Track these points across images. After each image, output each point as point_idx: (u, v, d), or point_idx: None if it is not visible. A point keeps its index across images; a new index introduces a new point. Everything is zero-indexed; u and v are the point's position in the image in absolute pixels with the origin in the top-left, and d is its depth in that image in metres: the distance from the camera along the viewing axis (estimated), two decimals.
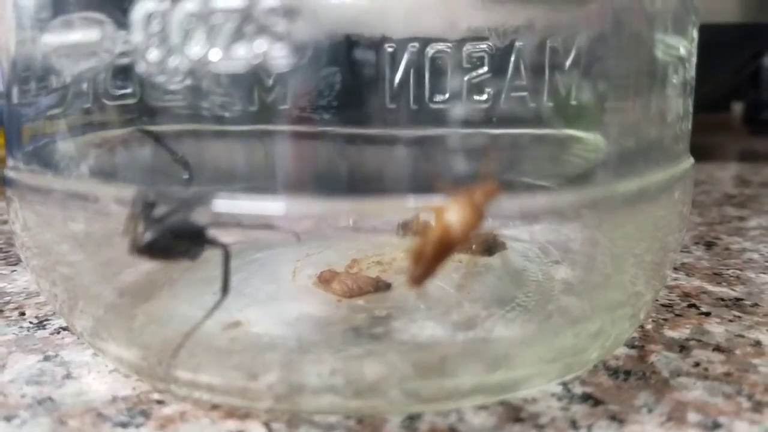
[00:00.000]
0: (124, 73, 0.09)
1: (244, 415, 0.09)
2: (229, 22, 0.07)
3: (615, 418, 0.09)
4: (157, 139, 0.10)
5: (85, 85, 0.09)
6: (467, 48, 0.09)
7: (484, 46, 0.09)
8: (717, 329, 0.12)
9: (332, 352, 0.09)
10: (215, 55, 0.08)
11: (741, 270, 0.16)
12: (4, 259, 0.18)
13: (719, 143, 0.42)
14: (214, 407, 0.09)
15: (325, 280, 0.12)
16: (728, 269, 0.16)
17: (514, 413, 0.09)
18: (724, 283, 0.15)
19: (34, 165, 0.10)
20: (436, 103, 0.09)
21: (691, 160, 0.11)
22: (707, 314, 0.13)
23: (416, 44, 0.09)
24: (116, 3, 0.08)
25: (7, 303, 0.14)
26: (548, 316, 0.10)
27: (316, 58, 0.08)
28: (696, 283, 0.15)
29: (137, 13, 0.08)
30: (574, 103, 0.09)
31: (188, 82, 0.08)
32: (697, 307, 0.13)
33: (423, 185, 0.08)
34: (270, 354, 0.09)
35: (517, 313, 0.10)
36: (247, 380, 0.09)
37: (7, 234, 0.20)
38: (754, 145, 0.42)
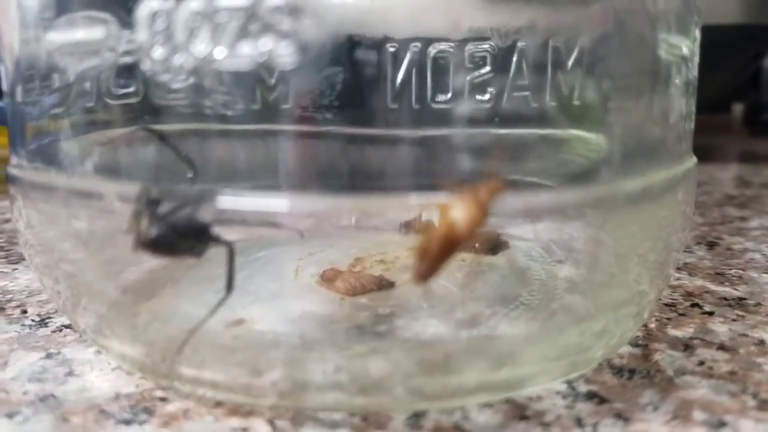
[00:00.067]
0: (127, 72, 0.09)
1: (248, 412, 0.09)
2: (234, 20, 0.08)
3: (620, 416, 0.09)
4: (162, 137, 0.10)
5: (88, 84, 0.09)
6: (469, 48, 0.09)
7: (486, 46, 0.09)
8: (721, 328, 0.12)
9: (336, 349, 0.09)
10: (220, 53, 0.08)
11: (743, 270, 0.16)
12: (5, 257, 0.17)
13: (719, 144, 0.42)
14: (218, 404, 0.09)
15: (328, 278, 0.12)
16: (731, 269, 0.16)
17: (519, 411, 0.09)
18: (727, 283, 0.15)
19: (37, 163, 0.10)
20: (438, 102, 0.09)
21: (694, 159, 0.11)
22: (711, 313, 0.13)
23: (418, 44, 0.09)
24: (121, 2, 0.08)
25: (9, 301, 0.14)
26: (553, 314, 0.10)
27: (318, 57, 0.08)
28: (699, 282, 0.15)
29: (142, 12, 0.08)
30: (576, 102, 0.09)
31: (192, 80, 0.08)
32: (701, 307, 0.13)
33: (426, 183, 0.08)
34: (274, 351, 0.09)
35: (522, 312, 0.10)
36: (251, 377, 0.09)
37: (9, 233, 0.20)
38: (755, 146, 0.42)
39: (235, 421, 0.09)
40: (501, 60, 0.09)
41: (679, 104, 0.09)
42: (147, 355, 0.09)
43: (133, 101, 0.09)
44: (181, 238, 0.09)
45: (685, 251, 0.17)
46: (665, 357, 0.11)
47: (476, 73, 0.09)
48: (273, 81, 0.08)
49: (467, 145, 0.09)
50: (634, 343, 0.11)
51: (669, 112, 0.09)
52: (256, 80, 0.08)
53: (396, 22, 0.09)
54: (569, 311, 0.10)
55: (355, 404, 0.09)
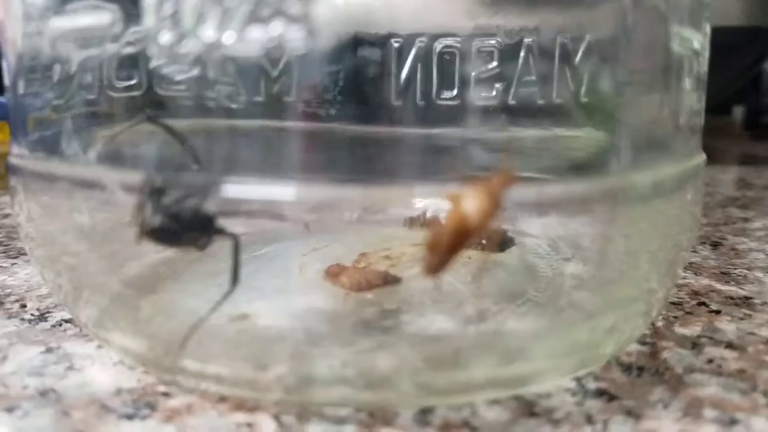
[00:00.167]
0: (131, 63, 0.09)
1: (253, 407, 0.09)
2: (244, 3, 0.07)
3: (631, 414, 0.09)
4: (167, 128, 0.09)
5: (91, 76, 0.09)
6: (476, 43, 0.09)
7: (493, 41, 0.09)
8: (728, 327, 0.12)
9: (342, 344, 0.09)
10: (229, 37, 0.07)
11: (748, 270, 0.16)
12: (4, 252, 0.17)
13: (720, 147, 0.42)
14: (222, 399, 0.09)
15: (333, 273, 0.12)
16: (736, 269, 0.16)
17: (528, 408, 0.09)
18: (733, 282, 0.15)
19: (39, 152, 0.10)
20: (444, 99, 0.09)
21: (703, 156, 0.11)
22: (717, 312, 0.13)
23: (424, 39, 0.09)
24: None
25: (8, 295, 0.14)
26: (562, 310, 0.10)
27: (325, 47, 0.08)
28: (704, 282, 0.15)
29: None
30: (587, 97, 0.09)
31: (197, 71, 0.08)
32: (707, 305, 0.13)
33: (433, 176, 0.08)
34: (279, 345, 0.09)
35: (530, 308, 0.10)
36: (256, 371, 0.09)
37: (8, 228, 0.20)
38: (755, 149, 0.42)
39: (240, 416, 0.09)
40: (509, 54, 0.09)
41: (690, 99, 0.09)
42: (150, 349, 0.09)
43: (136, 94, 0.09)
44: (185, 229, 0.09)
45: None
46: (674, 355, 0.11)
47: (483, 68, 0.09)
48: (277, 73, 0.08)
49: (475, 138, 0.09)
50: (641, 341, 0.11)
51: (680, 107, 0.09)
52: (261, 71, 0.08)
53: (401, 18, 0.09)
54: (579, 308, 0.10)
55: (361, 399, 0.09)
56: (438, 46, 0.09)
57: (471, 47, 0.09)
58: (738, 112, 0.48)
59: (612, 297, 0.10)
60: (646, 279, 0.10)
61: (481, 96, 0.09)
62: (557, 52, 0.09)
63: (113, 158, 0.09)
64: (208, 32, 0.07)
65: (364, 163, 0.10)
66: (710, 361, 0.10)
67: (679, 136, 0.10)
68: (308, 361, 0.09)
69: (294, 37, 0.07)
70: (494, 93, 0.09)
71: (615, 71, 0.08)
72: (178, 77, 0.08)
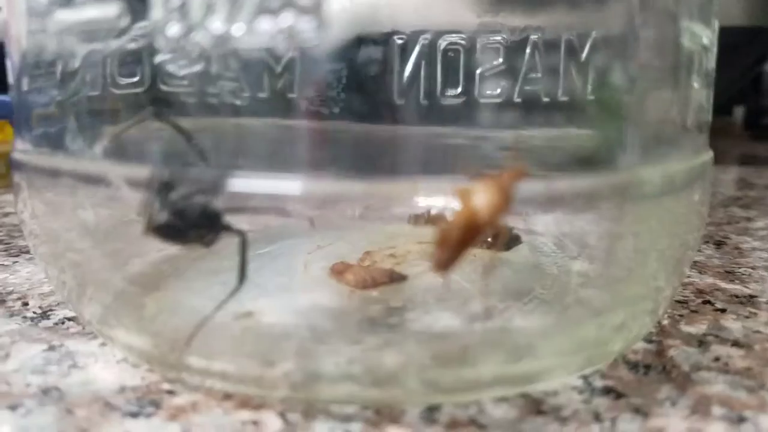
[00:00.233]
0: (135, 58, 0.09)
1: (258, 405, 0.09)
2: None
3: (639, 411, 0.09)
4: (173, 124, 0.09)
5: (95, 72, 0.09)
6: (481, 39, 0.09)
7: (498, 38, 0.09)
8: (734, 325, 0.12)
9: (348, 341, 0.09)
10: (238, 30, 0.07)
11: (753, 268, 0.16)
12: (5, 250, 0.17)
13: (721, 147, 0.42)
14: (227, 397, 0.09)
15: (338, 271, 0.12)
16: (740, 267, 0.16)
17: (536, 406, 0.09)
18: (737, 281, 0.15)
19: (44, 147, 0.10)
20: (448, 96, 0.09)
21: (711, 152, 0.11)
22: (723, 311, 0.13)
23: (428, 36, 0.09)
24: None
25: (10, 293, 0.14)
26: (570, 307, 0.10)
27: (332, 43, 0.08)
28: (709, 280, 0.15)
29: None
30: (596, 93, 0.09)
31: (201, 66, 0.08)
32: (712, 304, 0.13)
33: (441, 171, 0.08)
34: (285, 343, 0.09)
35: (536, 305, 0.10)
36: (263, 368, 0.08)
37: (8, 227, 0.20)
38: (755, 149, 0.42)
39: (245, 414, 0.08)
40: (514, 51, 0.09)
41: (699, 95, 0.09)
42: (155, 346, 0.09)
43: (139, 91, 0.09)
44: (192, 226, 0.09)
45: None
46: (680, 353, 0.11)
47: (488, 65, 0.09)
48: (280, 69, 0.08)
49: (483, 135, 0.09)
50: (647, 339, 0.11)
51: (689, 103, 0.09)
52: (265, 67, 0.08)
53: (404, 16, 0.09)
54: (586, 305, 0.10)
55: (368, 396, 0.08)
56: (442, 43, 0.09)
57: (476, 44, 0.09)
58: (738, 112, 0.48)
59: (620, 294, 0.10)
60: (654, 277, 0.10)
61: (486, 93, 0.09)
62: (563, 48, 0.09)
63: (119, 153, 0.09)
64: (217, 24, 0.07)
65: (369, 158, 0.10)
66: (717, 359, 0.10)
67: (688, 132, 0.09)
68: (314, 358, 0.09)
69: (304, 29, 0.07)
70: (499, 90, 0.09)
71: (624, 67, 0.08)
72: (183, 72, 0.08)
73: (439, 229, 0.07)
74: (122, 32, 0.08)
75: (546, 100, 0.09)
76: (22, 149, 0.10)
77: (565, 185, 0.08)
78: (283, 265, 0.12)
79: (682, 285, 0.14)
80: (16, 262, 0.16)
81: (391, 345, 0.09)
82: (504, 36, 0.09)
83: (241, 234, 0.09)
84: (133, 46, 0.08)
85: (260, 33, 0.07)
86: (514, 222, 0.12)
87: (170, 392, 0.09)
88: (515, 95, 0.09)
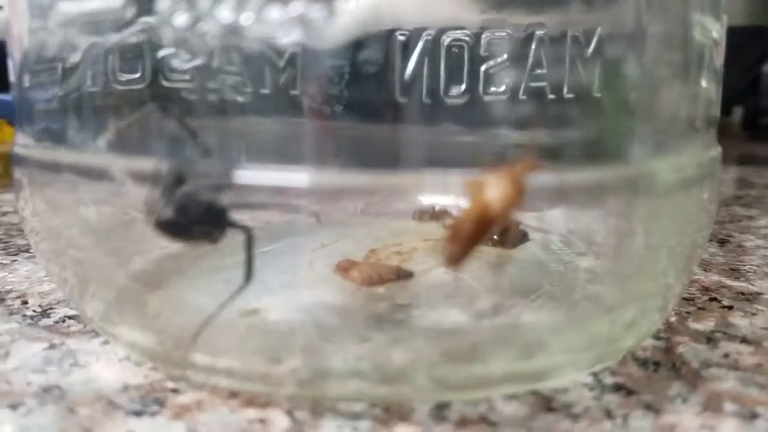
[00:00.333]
0: (136, 52, 0.08)
1: (265, 403, 0.09)
2: None
3: (650, 408, 0.09)
4: (178, 118, 0.09)
5: (96, 68, 0.09)
6: (486, 36, 0.09)
7: (503, 33, 0.09)
8: (741, 322, 0.12)
9: (355, 338, 0.09)
10: (247, 18, 0.07)
11: (757, 266, 0.16)
12: (4, 249, 0.17)
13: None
14: (233, 395, 0.09)
15: (344, 268, 0.11)
16: (744, 265, 0.16)
17: (546, 403, 0.09)
18: (743, 278, 0.15)
19: (45, 141, 0.10)
20: (452, 96, 0.09)
21: (719, 148, 0.11)
22: (730, 308, 0.13)
23: (431, 32, 0.09)
24: None
25: (9, 292, 0.13)
26: (580, 304, 0.10)
27: (337, 35, 0.08)
28: (714, 277, 0.15)
29: None
30: (606, 87, 0.09)
31: (203, 60, 0.08)
32: (719, 301, 0.13)
33: (449, 163, 0.08)
34: (291, 340, 0.09)
35: (544, 301, 0.10)
36: (269, 365, 0.08)
37: (7, 225, 0.20)
38: (754, 150, 0.42)
39: (252, 412, 0.08)
40: (521, 46, 0.09)
41: (709, 89, 0.09)
42: (159, 343, 0.09)
43: (140, 87, 0.09)
44: (198, 222, 0.08)
45: None
46: (689, 350, 0.10)
47: (492, 62, 0.09)
48: (283, 63, 0.08)
49: (490, 132, 0.09)
50: (656, 336, 0.11)
51: (699, 97, 0.09)
52: (268, 62, 0.08)
53: (406, 13, 0.09)
54: (598, 301, 0.10)
55: (376, 394, 0.08)
56: (446, 39, 0.09)
57: (480, 40, 0.09)
58: (736, 113, 0.48)
59: (631, 290, 0.10)
60: (664, 273, 0.10)
61: (491, 90, 0.09)
62: (568, 43, 0.09)
63: (122, 147, 0.09)
64: (225, 13, 0.07)
65: (376, 151, 0.10)
66: (726, 355, 0.10)
67: (698, 126, 0.09)
68: (322, 355, 0.08)
69: (314, 17, 0.07)
70: (504, 87, 0.09)
71: (634, 60, 0.08)
72: (186, 66, 0.08)
73: (450, 224, 0.07)
74: (127, 24, 0.08)
75: (557, 93, 0.09)
76: (24, 143, 0.10)
77: (577, 177, 0.08)
78: (287, 262, 0.12)
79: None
80: (15, 260, 0.16)
81: (399, 342, 0.09)
82: (509, 31, 0.09)
83: (248, 230, 0.09)
84: (135, 39, 0.08)
85: (269, 22, 0.07)
86: (527, 218, 0.12)
87: (174, 390, 0.09)
88: (521, 91, 0.09)
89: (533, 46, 0.09)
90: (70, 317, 0.12)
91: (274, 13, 0.07)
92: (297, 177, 0.08)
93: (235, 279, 0.09)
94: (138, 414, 0.08)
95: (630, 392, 0.09)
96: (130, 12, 0.08)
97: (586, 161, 0.09)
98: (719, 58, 0.10)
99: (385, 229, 0.13)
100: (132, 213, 0.10)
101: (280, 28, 0.07)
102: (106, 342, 0.11)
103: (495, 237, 0.12)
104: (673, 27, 0.08)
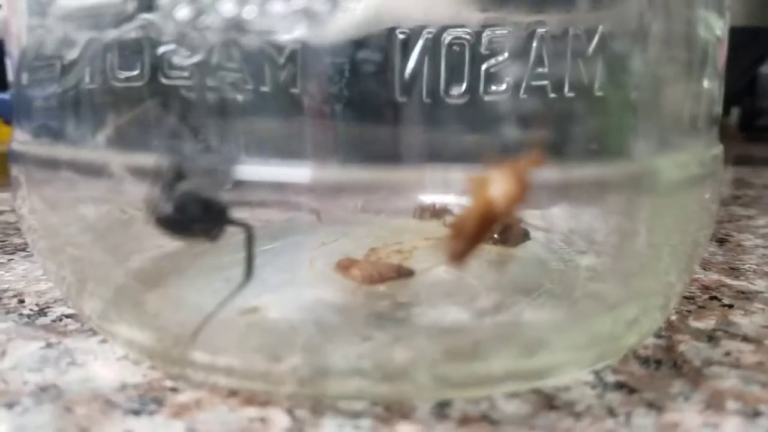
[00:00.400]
0: (135, 49, 0.08)
1: (265, 401, 0.08)
2: None
3: (653, 406, 0.09)
4: (179, 115, 0.09)
5: (95, 65, 0.09)
6: (487, 34, 0.09)
7: (504, 31, 0.09)
8: (742, 320, 0.12)
9: (356, 336, 0.09)
10: (250, 12, 0.07)
11: (757, 265, 0.16)
12: (0, 248, 0.17)
13: None
14: (232, 394, 0.09)
15: (344, 267, 0.11)
16: (744, 264, 0.16)
17: (548, 401, 0.09)
18: (742, 278, 0.15)
19: (44, 137, 0.10)
20: (452, 96, 0.09)
21: (721, 146, 0.11)
22: (730, 306, 0.13)
23: (432, 30, 0.09)
24: None
25: (5, 291, 0.13)
26: (581, 302, 0.10)
27: (339, 31, 0.08)
28: (714, 276, 0.15)
29: None
30: (607, 86, 0.08)
31: (203, 56, 0.08)
32: (719, 300, 0.13)
33: (452, 159, 0.08)
34: (291, 338, 0.09)
35: (546, 299, 0.10)
36: (270, 363, 0.08)
37: (3, 224, 0.20)
38: (751, 150, 0.43)
39: (252, 411, 0.08)
40: (522, 44, 0.09)
41: (712, 86, 0.09)
42: (158, 341, 0.09)
43: (139, 84, 0.09)
44: (197, 219, 0.08)
45: None
46: (690, 348, 0.10)
47: (493, 61, 0.09)
48: (282, 60, 0.08)
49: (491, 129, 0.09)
50: (657, 335, 0.11)
51: (703, 93, 0.09)
52: (267, 59, 0.08)
53: (408, 12, 0.08)
54: (600, 299, 0.10)
55: (377, 392, 0.08)
56: (447, 37, 0.09)
57: (482, 38, 0.09)
58: (733, 114, 0.48)
59: (633, 288, 0.10)
60: (666, 272, 0.10)
61: (491, 89, 0.09)
62: (570, 39, 0.08)
63: (121, 143, 0.09)
64: (228, 6, 0.07)
65: (377, 147, 0.10)
66: (728, 354, 0.10)
67: (701, 124, 0.09)
68: (322, 353, 0.08)
69: (318, 11, 0.07)
70: (505, 86, 0.09)
71: (639, 56, 0.08)
72: (186, 62, 0.08)
73: (453, 221, 0.07)
74: (126, 19, 0.08)
75: (553, 95, 0.09)
76: (21, 140, 0.10)
77: (581, 173, 0.08)
78: (287, 261, 0.12)
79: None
80: (12, 259, 0.16)
81: (401, 340, 0.09)
82: (510, 30, 0.09)
83: (248, 228, 0.09)
84: (134, 35, 0.08)
85: (272, 15, 0.07)
86: (529, 217, 0.12)
87: (173, 389, 0.09)
88: (522, 90, 0.09)
89: (535, 44, 0.09)
90: (67, 316, 0.12)
91: (278, 6, 0.07)
92: (298, 172, 0.08)
93: (234, 278, 0.09)
94: (136, 413, 0.08)
95: (632, 390, 0.09)
96: (131, 6, 0.08)
97: (589, 158, 0.09)
98: (722, 56, 0.10)
99: (385, 228, 0.13)
100: (131, 211, 0.10)
101: (283, 22, 0.07)
102: (103, 341, 0.10)
103: (496, 236, 0.12)
104: (677, 23, 0.08)
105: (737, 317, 0.12)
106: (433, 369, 0.08)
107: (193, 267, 0.12)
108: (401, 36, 0.08)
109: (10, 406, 0.08)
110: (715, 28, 0.09)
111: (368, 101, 0.08)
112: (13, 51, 0.10)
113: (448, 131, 0.09)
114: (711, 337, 0.11)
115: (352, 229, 0.13)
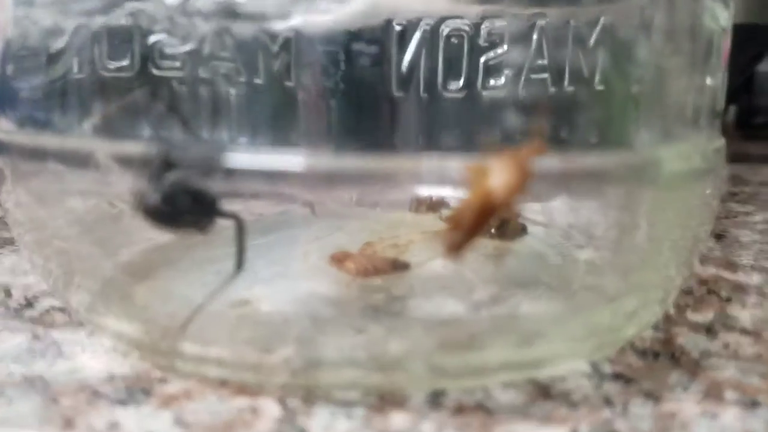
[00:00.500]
0: (124, 38, 0.08)
1: (255, 391, 0.08)
2: None
3: (650, 396, 0.08)
4: (169, 106, 0.09)
5: (83, 54, 0.09)
6: (486, 25, 0.09)
7: (504, 23, 0.09)
8: (740, 314, 0.12)
9: (350, 327, 0.09)
10: None
11: (755, 260, 0.15)
12: None
13: None
14: (222, 384, 0.08)
15: (339, 259, 0.11)
16: (742, 259, 0.16)
17: (544, 390, 0.08)
18: (741, 272, 0.14)
19: (29, 126, 0.09)
20: (451, 91, 0.09)
21: (723, 140, 0.10)
22: (728, 299, 0.12)
23: (430, 21, 0.08)
24: None
25: None
26: (579, 294, 0.10)
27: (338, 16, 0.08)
28: (712, 270, 0.14)
29: None
30: (610, 78, 0.08)
31: (194, 44, 0.08)
32: (717, 293, 0.13)
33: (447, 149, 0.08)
34: (284, 329, 0.09)
35: (543, 291, 0.10)
36: (261, 354, 0.08)
37: None
38: (747, 148, 0.43)
39: (242, 401, 0.08)
40: (524, 35, 0.08)
41: (716, 78, 0.09)
42: (146, 333, 0.09)
43: (129, 74, 0.08)
44: (186, 210, 0.08)
45: None
46: (688, 340, 0.10)
47: (492, 53, 0.09)
48: (276, 48, 0.07)
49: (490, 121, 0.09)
50: (654, 327, 0.11)
51: (706, 86, 0.09)
52: (261, 47, 0.07)
53: (405, 2, 0.08)
54: (599, 291, 0.10)
55: (371, 382, 0.08)
56: (445, 29, 0.08)
57: (480, 30, 0.08)
58: (730, 111, 0.48)
59: (633, 281, 0.10)
60: (666, 265, 0.10)
61: (489, 82, 0.09)
62: (571, 32, 0.08)
63: (108, 132, 0.09)
64: None
65: (372, 135, 0.10)
66: (726, 346, 0.10)
67: (704, 117, 0.09)
68: (315, 343, 0.08)
69: None
70: (504, 78, 0.09)
71: (643, 46, 0.08)
72: (177, 51, 0.08)
73: (450, 212, 0.07)
74: (114, 4, 0.08)
75: (553, 89, 0.08)
76: (6, 129, 0.10)
77: (583, 163, 0.08)
78: (280, 255, 0.12)
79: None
80: (0, 253, 0.16)
81: (395, 332, 0.09)
82: (509, 21, 0.08)
83: (238, 219, 0.08)
84: (124, 22, 0.08)
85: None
86: (527, 211, 0.12)
87: (161, 380, 0.09)
88: (521, 81, 0.08)
89: (535, 36, 0.08)
90: (55, 308, 0.11)
91: None
92: (291, 160, 0.07)
93: (226, 270, 0.08)
94: (123, 403, 0.08)
95: (629, 381, 0.09)
96: None
97: (591, 149, 0.09)
98: (727, 46, 0.10)
99: (381, 221, 0.13)
100: (119, 204, 0.10)
101: (277, 7, 0.07)
102: (91, 333, 0.10)
103: (493, 231, 0.12)
104: (682, 13, 0.08)
105: (736, 310, 0.12)
106: (427, 359, 0.08)
107: (184, 260, 0.11)
108: (398, 27, 0.08)
109: None
110: (720, 18, 0.09)
111: (364, 95, 0.08)
112: None
113: (445, 122, 0.09)
114: (709, 330, 0.11)
115: (347, 223, 0.13)
